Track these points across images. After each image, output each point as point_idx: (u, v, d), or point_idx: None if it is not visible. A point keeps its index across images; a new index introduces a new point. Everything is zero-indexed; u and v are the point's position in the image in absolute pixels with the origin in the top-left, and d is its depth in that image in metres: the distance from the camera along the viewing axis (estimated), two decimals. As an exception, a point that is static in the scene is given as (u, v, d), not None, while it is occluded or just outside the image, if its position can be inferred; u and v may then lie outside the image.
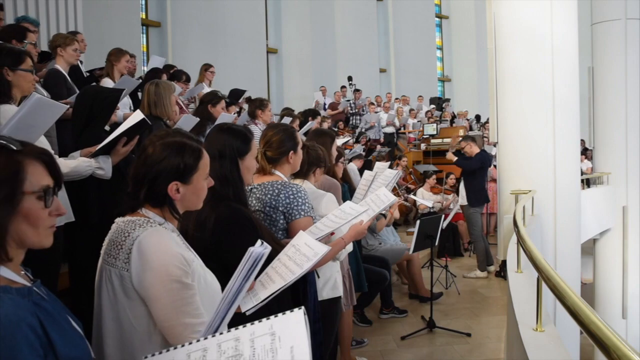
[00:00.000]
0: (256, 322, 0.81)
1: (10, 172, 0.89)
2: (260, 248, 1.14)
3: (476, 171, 6.06)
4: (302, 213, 1.98)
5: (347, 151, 5.81)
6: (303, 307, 0.79)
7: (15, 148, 0.91)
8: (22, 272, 0.96)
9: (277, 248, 1.64)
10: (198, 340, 0.86)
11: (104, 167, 2.32)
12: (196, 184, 1.33)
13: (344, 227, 1.95)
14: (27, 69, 2.28)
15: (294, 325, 0.76)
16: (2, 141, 0.91)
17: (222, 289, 1.18)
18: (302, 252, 1.43)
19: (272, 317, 0.81)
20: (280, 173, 2.09)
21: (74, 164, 2.25)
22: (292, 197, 1.97)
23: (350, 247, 2.52)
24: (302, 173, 2.49)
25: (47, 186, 0.94)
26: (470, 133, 10.61)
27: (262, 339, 0.76)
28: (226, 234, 1.64)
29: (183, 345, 0.87)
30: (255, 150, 1.83)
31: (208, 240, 1.62)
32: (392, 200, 2.19)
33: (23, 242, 0.93)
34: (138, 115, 2.29)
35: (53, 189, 0.96)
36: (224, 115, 3.56)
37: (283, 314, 0.81)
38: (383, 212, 2.03)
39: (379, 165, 3.57)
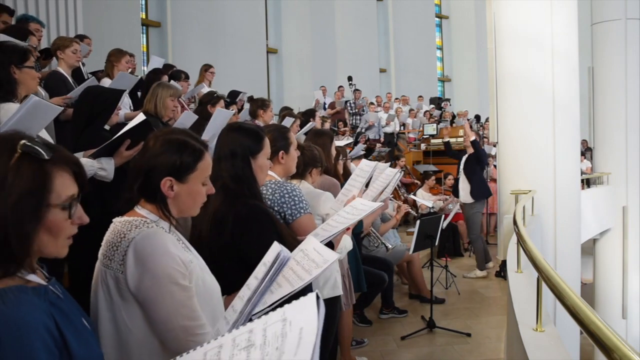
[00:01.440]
0: (271, 312, 0.82)
1: (37, 183, 0.88)
2: (286, 251, 1.14)
3: (476, 166, 6.07)
4: (302, 211, 1.98)
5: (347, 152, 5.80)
6: (317, 291, 0.79)
7: (46, 157, 0.90)
8: (38, 270, 0.96)
9: (296, 245, 1.64)
10: (216, 339, 0.87)
11: (106, 168, 2.31)
12: (192, 185, 1.29)
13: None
14: (32, 65, 2.28)
15: (305, 309, 0.76)
16: (32, 147, 0.89)
17: (241, 286, 1.17)
18: (310, 258, 1.42)
19: (286, 305, 0.81)
20: (274, 173, 2.08)
21: None
22: (287, 196, 1.97)
23: (350, 246, 2.52)
24: (298, 173, 2.49)
25: (72, 196, 0.94)
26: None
27: (274, 326, 0.76)
28: (246, 231, 1.63)
29: (202, 346, 0.88)
30: (269, 150, 1.81)
31: (228, 238, 1.61)
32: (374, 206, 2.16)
33: (41, 251, 0.93)
34: (140, 117, 2.29)
35: (77, 197, 0.96)
36: (221, 111, 3.55)
37: (296, 299, 0.81)
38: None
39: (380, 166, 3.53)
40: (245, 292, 1.17)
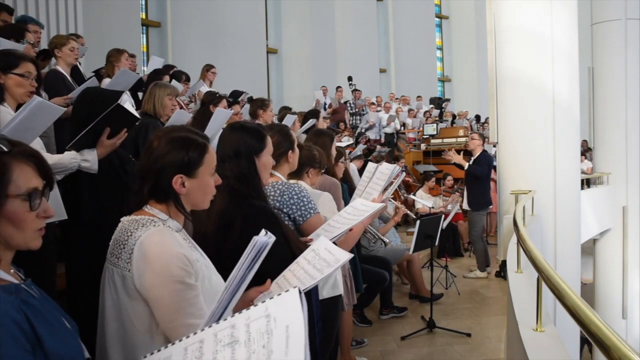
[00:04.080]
0: (252, 307, 0.81)
1: None
2: (265, 237, 1.12)
3: (474, 179, 5.98)
4: (312, 212, 1.99)
5: (347, 152, 5.78)
6: (298, 287, 0.78)
7: (5, 149, 0.91)
8: (12, 271, 0.97)
9: (300, 247, 1.63)
10: (195, 333, 0.86)
11: (89, 159, 2.29)
12: (202, 178, 1.32)
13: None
14: (22, 73, 2.26)
15: (289, 305, 0.75)
16: None
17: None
18: (322, 257, 1.42)
19: (267, 299, 0.80)
20: (280, 174, 2.09)
21: (57, 157, 2.23)
22: (296, 197, 1.97)
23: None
24: (295, 173, 2.49)
25: (34, 188, 0.94)
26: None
27: (257, 322, 0.76)
28: (254, 233, 1.63)
29: (181, 340, 0.87)
30: (271, 148, 1.81)
31: (236, 239, 1.61)
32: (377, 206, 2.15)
33: (9, 243, 0.93)
34: (122, 104, 2.28)
35: (42, 191, 0.96)
36: (221, 111, 3.55)
37: (278, 295, 0.80)
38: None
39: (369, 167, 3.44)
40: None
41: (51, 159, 2.19)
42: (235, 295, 1.11)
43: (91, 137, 2.28)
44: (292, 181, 2.49)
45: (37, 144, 2.24)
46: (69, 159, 2.24)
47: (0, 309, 0.85)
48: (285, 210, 1.95)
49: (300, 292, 0.75)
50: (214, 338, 0.80)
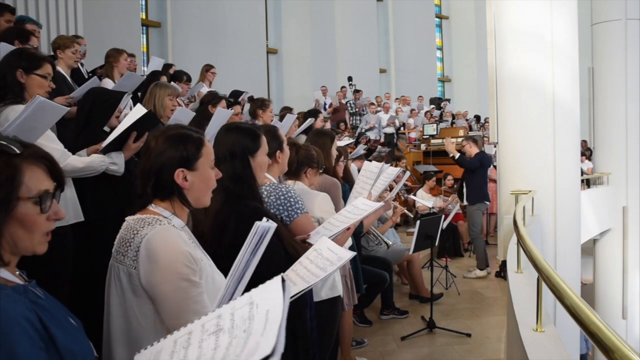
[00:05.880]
0: (239, 297, 0.82)
1: (5, 177, 0.89)
2: (267, 223, 1.14)
3: (476, 170, 6.13)
4: (299, 212, 1.98)
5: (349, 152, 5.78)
6: (282, 275, 0.80)
7: (17, 151, 0.91)
8: (17, 273, 0.96)
9: (294, 245, 1.66)
10: (185, 327, 0.87)
11: (117, 162, 2.36)
12: (202, 170, 1.35)
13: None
14: (43, 74, 2.29)
15: (271, 291, 0.77)
16: (2, 143, 0.91)
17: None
18: (324, 257, 1.44)
19: (252, 289, 0.82)
20: (269, 175, 2.08)
21: (88, 160, 2.29)
22: (283, 198, 1.97)
23: (349, 242, 2.51)
24: (293, 173, 2.49)
25: (45, 191, 0.94)
26: (471, 133, 10.63)
27: (241, 310, 0.78)
28: (248, 232, 1.65)
29: (172, 334, 0.88)
30: (266, 147, 1.82)
31: (231, 238, 1.62)
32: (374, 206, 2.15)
33: (16, 246, 0.93)
34: (142, 109, 2.32)
35: (53, 193, 0.96)
36: (221, 111, 3.55)
37: (263, 284, 0.81)
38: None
39: (366, 166, 3.41)
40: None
41: (82, 162, 2.26)
42: (241, 282, 1.12)
43: (118, 141, 2.33)
44: (289, 181, 2.50)
45: (59, 146, 2.25)
46: (99, 162, 2.31)
47: (13, 308, 0.85)
48: (273, 210, 1.95)
49: (283, 280, 0.76)
50: (201, 329, 0.82)
